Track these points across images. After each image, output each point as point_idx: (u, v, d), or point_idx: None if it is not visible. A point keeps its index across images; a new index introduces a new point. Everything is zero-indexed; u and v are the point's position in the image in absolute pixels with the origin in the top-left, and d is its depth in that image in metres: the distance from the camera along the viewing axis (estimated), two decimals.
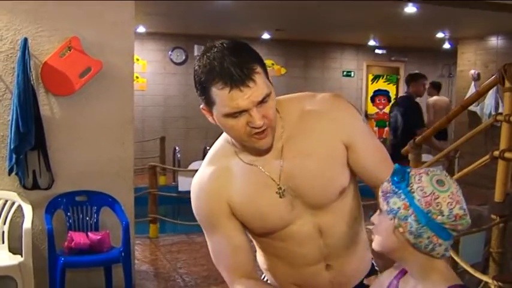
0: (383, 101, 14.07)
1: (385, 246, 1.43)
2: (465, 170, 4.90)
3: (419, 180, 1.37)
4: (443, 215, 1.34)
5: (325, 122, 1.72)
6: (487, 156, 4.41)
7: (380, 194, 1.43)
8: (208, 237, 1.84)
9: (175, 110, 12.18)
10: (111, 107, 4.81)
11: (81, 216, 4.68)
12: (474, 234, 4.15)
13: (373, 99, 13.97)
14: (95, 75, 4.65)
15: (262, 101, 1.57)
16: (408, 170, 1.42)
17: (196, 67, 1.63)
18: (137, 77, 11.26)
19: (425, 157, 6.54)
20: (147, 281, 5.24)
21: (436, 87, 10.06)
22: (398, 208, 1.37)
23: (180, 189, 7.42)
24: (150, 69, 11.89)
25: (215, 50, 1.59)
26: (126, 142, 4.92)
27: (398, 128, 6.78)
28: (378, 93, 13.96)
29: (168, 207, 8.74)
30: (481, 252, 4.35)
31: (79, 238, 4.41)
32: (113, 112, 4.82)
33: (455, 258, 3.50)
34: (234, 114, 1.57)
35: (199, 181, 1.79)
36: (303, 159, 1.71)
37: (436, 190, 1.35)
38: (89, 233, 4.51)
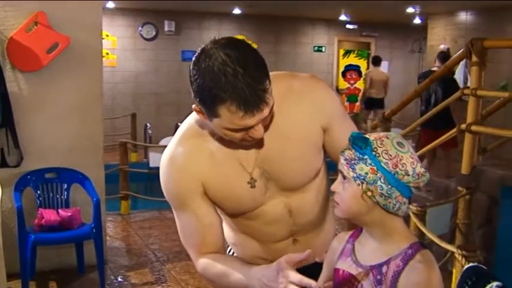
0: (354, 76, 14.14)
1: (352, 212, 1.46)
2: (433, 143, 4.99)
3: (381, 144, 1.42)
4: (408, 175, 1.40)
5: (306, 105, 1.70)
6: (454, 130, 4.50)
7: (343, 161, 1.45)
8: (177, 215, 1.80)
9: (146, 86, 12.08)
10: (80, 83, 4.76)
11: (51, 193, 4.65)
12: (441, 206, 4.23)
13: (344, 74, 14.04)
14: (63, 50, 4.58)
15: (268, 116, 1.55)
16: (367, 135, 1.45)
17: (199, 76, 1.50)
18: (107, 54, 11.12)
19: (395, 131, 6.60)
20: (119, 257, 5.24)
21: (374, 61, 11.65)
22: (366, 173, 1.40)
23: (151, 165, 7.40)
24: (120, 46, 11.74)
25: (222, 57, 1.46)
26: (96, 118, 4.88)
27: (439, 100, 6.78)
28: (349, 68, 14.04)
29: (140, 184, 8.71)
30: (448, 224, 4.44)
31: (49, 215, 4.38)
32: (82, 88, 4.77)
33: (423, 229, 3.57)
34: (237, 130, 1.54)
35: (171, 158, 1.74)
36: (281, 144, 1.70)
37: (399, 152, 1.41)
38: (59, 210, 4.49)
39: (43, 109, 4.66)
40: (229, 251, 2.01)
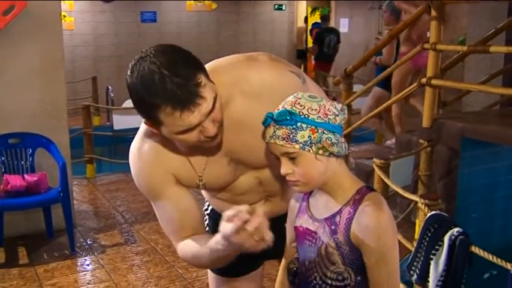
0: None
1: (315, 177, 1.50)
2: (395, 98, 5.08)
3: (301, 105, 1.46)
4: (337, 115, 1.48)
5: (265, 100, 1.65)
6: (415, 84, 4.58)
7: (281, 142, 1.46)
8: (153, 204, 1.85)
9: (106, 48, 11.91)
10: (40, 47, 4.69)
11: (15, 158, 4.61)
12: (404, 159, 4.33)
13: (311, 32, 13.94)
14: (20, 13, 4.50)
15: (212, 109, 1.54)
16: (281, 108, 1.48)
17: (132, 85, 1.52)
18: (64, 16, 10.88)
19: (356, 87, 6.69)
20: (88, 220, 5.26)
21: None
22: (309, 137, 1.45)
23: (115, 127, 7.35)
24: (77, 8, 11.51)
25: (149, 65, 1.48)
26: (58, 82, 4.83)
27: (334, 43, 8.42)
28: (315, 26, 13.92)
29: (104, 148, 8.68)
30: (410, 176, 4.55)
31: (15, 180, 4.36)
32: (42, 51, 4.70)
33: (387, 181, 3.66)
34: (186, 131, 1.54)
35: (139, 153, 1.75)
36: (244, 136, 1.72)
37: (317, 102, 1.48)
38: (25, 175, 4.46)
39: (3, 74, 4.58)
40: (206, 203, 2.11)
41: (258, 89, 1.69)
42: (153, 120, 1.55)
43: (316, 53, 11.79)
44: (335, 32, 12.09)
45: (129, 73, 1.54)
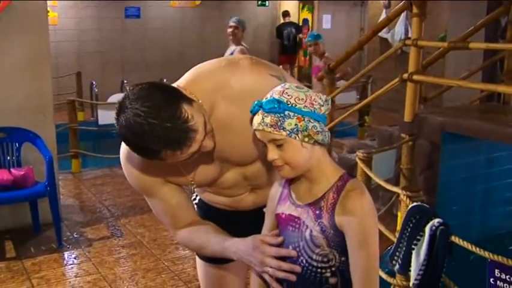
0: (304, 30, 14.13)
1: (301, 163, 1.59)
2: (377, 93, 5.17)
3: (288, 95, 1.55)
4: (322, 105, 1.57)
5: (247, 102, 1.66)
6: (397, 79, 4.66)
7: (269, 129, 1.54)
8: (146, 199, 1.94)
9: (89, 44, 11.87)
10: (26, 41, 4.71)
11: (1, 153, 4.63)
12: (385, 152, 4.42)
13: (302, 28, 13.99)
14: (6, 8, 4.51)
15: (205, 131, 1.61)
16: (270, 97, 1.56)
17: (125, 139, 1.58)
18: (48, 11, 10.83)
19: (339, 83, 6.77)
20: (74, 215, 5.29)
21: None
22: (296, 124, 1.53)
23: (100, 122, 7.34)
24: (61, 3, 11.44)
25: (133, 118, 1.51)
26: (44, 77, 4.85)
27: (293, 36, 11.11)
28: (304, 22, 14.03)
29: (89, 143, 8.66)
30: (392, 169, 4.65)
31: (1, 175, 4.38)
32: (28, 46, 4.72)
33: (370, 174, 3.74)
34: (189, 158, 1.63)
35: (128, 156, 1.82)
36: (229, 137, 1.78)
37: (304, 92, 1.56)
38: (12, 170, 4.49)
39: None
40: (194, 193, 2.17)
41: (240, 93, 1.75)
42: (154, 159, 1.62)
43: (280, 47, 12.71)
44: (294, 25, 12.95)
45: (117, 126, 1.57)
